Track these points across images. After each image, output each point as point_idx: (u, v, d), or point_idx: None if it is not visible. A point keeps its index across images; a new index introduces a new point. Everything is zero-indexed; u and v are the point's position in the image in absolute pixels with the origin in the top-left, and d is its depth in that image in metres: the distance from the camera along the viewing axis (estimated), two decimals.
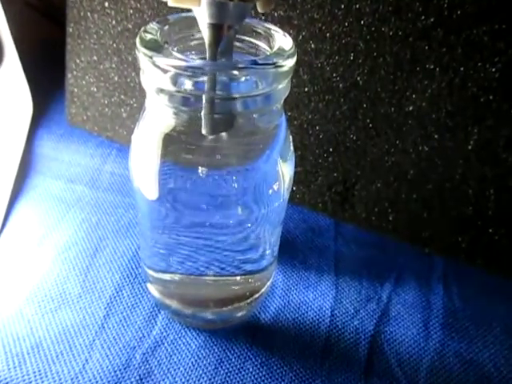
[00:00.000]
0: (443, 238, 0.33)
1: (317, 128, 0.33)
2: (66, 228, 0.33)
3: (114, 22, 0.36)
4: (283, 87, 0.20)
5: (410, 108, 0.30)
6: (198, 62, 0.19)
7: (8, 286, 0.28)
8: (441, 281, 0.32)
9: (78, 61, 0.38)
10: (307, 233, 0.34)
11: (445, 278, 0.32)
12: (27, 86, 0.39)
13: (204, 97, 0.19)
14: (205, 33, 0.19)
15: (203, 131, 0.20)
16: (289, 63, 0.19)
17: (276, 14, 0.31)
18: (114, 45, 0.36)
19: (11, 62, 0.38)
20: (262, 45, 0.21)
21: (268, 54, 0.20)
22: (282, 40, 0.20)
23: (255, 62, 0.19)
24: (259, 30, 0.21)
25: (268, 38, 0.21)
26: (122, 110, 0.39)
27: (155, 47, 0.19)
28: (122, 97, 0.38)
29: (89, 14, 0.36)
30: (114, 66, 0.37)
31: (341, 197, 0.34)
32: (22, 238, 0.31)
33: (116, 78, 0.38)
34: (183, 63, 0.18)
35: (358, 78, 0.31)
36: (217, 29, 0.18)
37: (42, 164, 0.38)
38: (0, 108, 0.39)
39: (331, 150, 0.33)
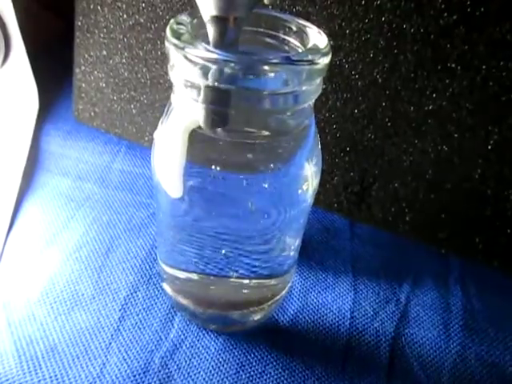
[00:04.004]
0: (460, 238, 0.33)
1: (334, 127, 0.32)
2: (77, 227, 0.32)
3: (124, 16, 0.35)
4: (315, 86, 0.20)
5: (430, 107, 0.30)
6: (231, 55, 0.18)
7: (19, 287, 0.27)
8: (458, 282, 0.32)
9: (86, 55, 0.37)
10: (323, 233, 0.34)
11: (462, 279, 0.32)
12: (33, 80, 0.38)
13: (203, 87, 0.18)
14: (209, 26, 0.18)
15: (202, 125, 0.19)
16: (323, 61, 0.19)
17: (294, 10, 0.31)
18: (125, 39, 0.36)
19: (18, 56, 0.37)
20: (294, 41, 0.21)
21: (300, 51, 0.20)
22: (317, 37, 0.20)
23: (288, 59, 0.18)
24: (292, 26, 0.21)
25: (301, 35, 0.20)
26: (132, 106, 0.38)
27: (187, 39, 0.18)
28: (132, 93, 0.37)
29: (98, 7, 0.35)
30: (124, 61, 0.36)
31: (357, 197, 0.34)
32: (31, 237, 0.30)
33: (126, 74, 0.37)
34: (215, 56, 0.17)
35: (378, 76, 0.30)
36: (222, 22, 0.17)
37: (50, 161, 0.37)
38: (6, 103, 0.38)
39: (348, 149, 0.33)
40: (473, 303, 0.30)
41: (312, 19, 0.30)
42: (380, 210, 0.34)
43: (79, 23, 0.37)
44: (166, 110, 0.21)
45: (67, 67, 0.39)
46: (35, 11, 0.42)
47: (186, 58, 0.18)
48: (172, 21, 0.19)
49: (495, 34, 0.27)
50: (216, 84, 0.17)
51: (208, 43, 0.20)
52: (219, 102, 0.18)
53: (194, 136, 0.20)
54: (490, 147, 0.30)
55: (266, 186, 0.21)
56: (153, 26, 0.34)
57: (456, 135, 0.30)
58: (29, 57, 0.37)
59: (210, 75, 0.17)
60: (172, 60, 0.18)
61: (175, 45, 0.18)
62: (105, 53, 0.37)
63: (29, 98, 0.39)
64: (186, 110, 0.20)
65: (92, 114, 0.40)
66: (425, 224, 0.33)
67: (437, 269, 0.32)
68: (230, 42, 0.18)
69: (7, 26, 0.36)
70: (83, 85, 0.39)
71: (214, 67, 0.17)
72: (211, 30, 0.18)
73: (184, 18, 0.19)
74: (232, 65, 0.17)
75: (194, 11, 0.20)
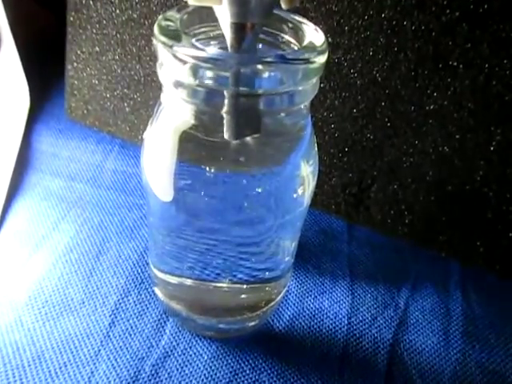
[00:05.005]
0: (461, 242, 0.32)
1: (332, 126, 0.32)
2: (67, 229, 0.31)
3: (117, 11, 0.34)
4: (311, 86, 0.19)
5: (431, 107, 0.29)
6: (222, 54, 0.17)
7: (6, 291, 0.26)
8: (458, 286, 0.31)
9: (78, 52, 0.36)
10: (319, 236, 0.33)
11: (463, 283, 0.31)
12: (24, 77, 0.37)
13: (226, 94, 0.17)
14: (227, 32, 0.17)
15: (226, 136, 0.18)
16: (320, 60, 0.18)
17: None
18: (118, 35, 0.35)
19: (8, 52, 0.36)
20: (289, 38, 0.20)
21: (296, 48, 0.19)
22: (313, 34, 0.19)
23: (283, 57, 0.17)
24: (288, 23, 0.20)
25: (297, 32, 0.19)
26: (125, 104, 0.37)
27: (175, 36, 0.17)
28: (125, 90, 0.36)
29: (91, 2, 0.34)
30: (117, 57, 0.35)
31: (355, 198, 0.33)
32: (20, 239, 0.30)
33: (119, 71, 0.36)
34: (205, 54, 0.16)
35: (377, 75, 0.29)
36: (240, 28, 0.17)
37: (41, 161, 0.36)
38: None
39: (347, 149, 0.32)
40: (473, 309, 0.30)
41: (310, 15, 0.29)
42: (379, 212, 0.33)
43: (71, 18, 0.36)
44: (155, 109, 0.20)
45: (59, 64, 0.38)
46: (26, 6, 0.41)
47: (175, 56, 0.17)
48: (160, 17, 0.18)
49: (499, 32, 0.26)
50: (237, 89, 0.17)
51: (199, 39, 0.20)
52: (246, 108, 0.17)
53: (185, 137, 0.19)
54: (492, 148, 0.29)
55: (260, 188, 0.20)
56: (146, 22, 0.33)
57: (457, 136, 0.29)
58: (19, 53, 0.36)
59: (229, 80, 0.17)
60: (160, 58, 0.18)
61: (163, 42, 0.17)
62: (97, 49, 0.36)
63: (20, 95, 0.38)
64: (177, 110, 0.19)
65: (85, 111, 0.39)
66: (424, 227, 0.32)
67: (437, 273, 0.31)
68: (248, 49, 0.18)
69: None
70: (75, 82, 0.38)
71: (227, 73, 0.17)
72: (228, 37, 0.17)
73: (173, 13, 0.18)
74: (223, 63, 0.16)
75: (183, 6, 0.19)
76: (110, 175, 0.35)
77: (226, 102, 0.17)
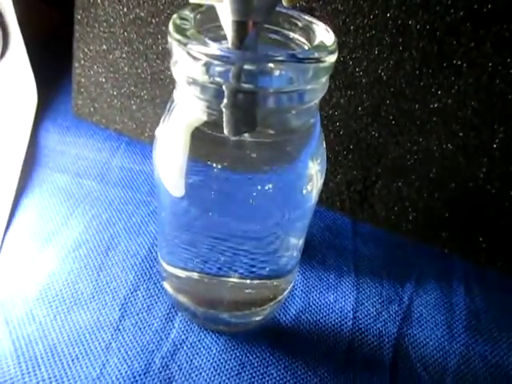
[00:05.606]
0: (464, 238, 0.32)
1: (337, 124, 0.32)
2: (76, 225, 0.31)
3: (125, 10, 0.34)
4: (321, 85, 0.19)
5: (435, 105, 0.30)
6: (231, 51, 0.17)
7: (17, 286, 0.27)
8: (462, 282, 0.31)
9: (86, 50, 0.37)
10: (324, 232, 0.33)
11: (465, 278, 0.32)
12: (32, 75, 0.38)
13: (225, 89, 0.17)
14: (228, 30, 0.18)
15: (225, 131, 0.18)
16: (330, 59, 0.18)
17: (298, 5, 0.30)
18: (125, 33, 0.35)
19: (16, 50, 0.36)
20: (300, 38, 0.20)
21: (307, 48, 0.19)
22: (324, 34, 0.19)
23: (294, 56, 0.18)
24: (298, 23, 0.20)
25: (308, 32, 0.20)
26: (132, 101, 0.37)
27: (190, 34, 0.17)
28: (132, 88, 0.37)
29: (99, 0, 0.35)
30: (124, 55, 0.36)
31: (360, 195, 0.34)
32: (30, 235, 0.30)
33: (126, 69, 0.36)
34: (219, 52, 0.17)
35: (382, 74, 0.30)
36: (241, 26, 0.17)
37: (48, 157, 0.36)
38: (4, 98, 0.38)
39: (351, 147, 0.32)
40: (476, 303, 0.30)
41: (316, 15, 0.30)
42: (383, 208, 0.33)
43: (79, 17, 0.36)
44: (168, 106, 0.21)
45: (66, 62, 0.39)
46: (34, 4, 0.41)
47: (189, 54, 0.17)
48: (175, 16, 0.18)
49: (502, 32, 0.27)
50: (238, 85, 0.17)
51: (211, 37, 0.20)
52: (245, 105, 0.18)
53: (197, 134, 0.20)
54: (495, 146, 0.29)
55: (270, 185, 0.20)
56: (153, 21, 0.34)
57: (461, 134, 0.30)
58: (27, 51, 0.37)
59: (230, 77, 0.17)
60: (175, 56, 0.18)
61: (178, 40, 0.17)
62: (105, 47, 0.36)
63: (27, 92, 0.38)
64: (189, 107, 0.19)
65: (91, 109, 0.39)
66: (428, 223, 0.33)
67: (440, 269, 0.32)
68: (249, 47, 0.18)
69: (5, 19, 0.35)
70: (83, 80, 0.38)
71: (232, 67, 0.17)
72: (230, 35, 0.18)
73: (187, 12, 0.19)
74: (235, 61, 0.17)
75: (196, 5, 0.19)
76: (117, 172, 0.36)
77: (226, 97, 0.17)
